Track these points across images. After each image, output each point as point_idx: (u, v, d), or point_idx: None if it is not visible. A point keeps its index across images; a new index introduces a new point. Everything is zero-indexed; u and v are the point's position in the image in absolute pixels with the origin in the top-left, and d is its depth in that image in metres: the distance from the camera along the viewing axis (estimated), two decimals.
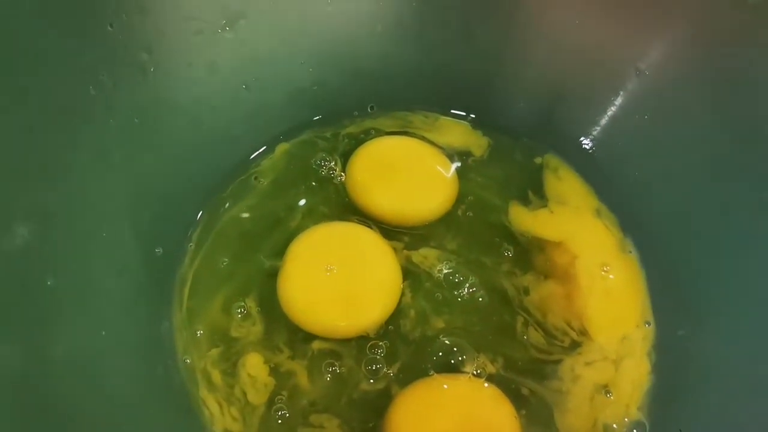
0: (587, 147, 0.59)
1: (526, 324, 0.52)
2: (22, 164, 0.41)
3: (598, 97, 0.57)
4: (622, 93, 0.55)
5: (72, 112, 0.45)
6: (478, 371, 0.49)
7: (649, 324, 0.52)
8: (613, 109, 0.56)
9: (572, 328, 0.52)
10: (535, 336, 0.51)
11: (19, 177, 0.41)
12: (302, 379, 0.49)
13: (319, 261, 0.51)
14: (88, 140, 0.46)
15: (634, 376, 0.50)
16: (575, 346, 0.51)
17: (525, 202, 0.58)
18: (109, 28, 0.47)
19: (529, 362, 0.50)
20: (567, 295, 0.54)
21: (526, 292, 0.53)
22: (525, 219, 0.57)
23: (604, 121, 0.57)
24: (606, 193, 0.58)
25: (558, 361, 0.50)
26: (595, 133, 0.58)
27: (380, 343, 0.50)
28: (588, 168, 0.59)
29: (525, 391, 0.49)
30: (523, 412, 0.48)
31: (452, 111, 0.63)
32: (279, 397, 0.48)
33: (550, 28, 0.55)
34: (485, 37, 0.58)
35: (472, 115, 0.63)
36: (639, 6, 0.51)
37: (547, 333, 0.52)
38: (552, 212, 0.58)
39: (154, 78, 0.51)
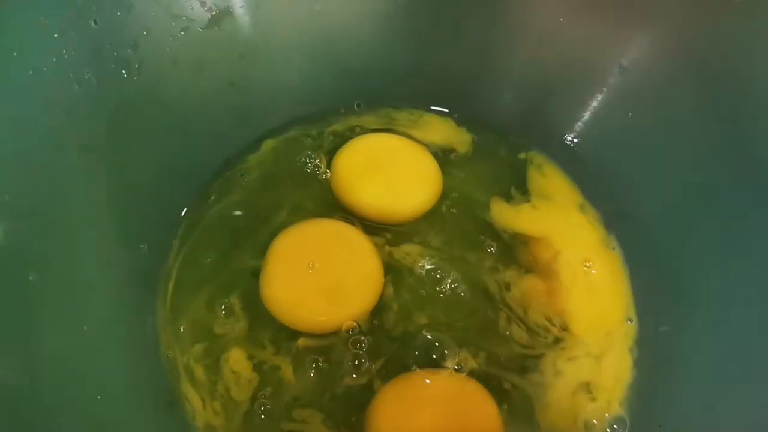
0: (571, 143, 0.60)
1: (508, 319, 0.52)
2: (5, 159, 0.41)
3: (581, 94, 0.57)
4: (605, 89, 0.55)
5: (56, 108, 0.45)
6: (460, 366, 0.49)
7: (631, 321, 0.53)
8: (597, 105, 0.56)
9: (554, 324, 0.52)
10: (517, 331, 0.52)
11: (3, 174, 0.41)
12: (286, 374, 0.49)
13: (300, 258, 0.52)
14: (73, 137, 0.46)
15: (616, 372, 0.50)
16: (557, 341, 0.52)
17: (508, 198, 0.59)
18: (93, 25, 0.47)
19: (510, 357, 0.51)
20: (549, 291, 0.54)
21: (508, 287, 0.54)
22: (507, 214, 0.58)
23: (587, 117, 0.58)
24: (590, 189, 0.59)
25: (540, 356, 0.51)
26: (578, 129, 0.59)
27: (363, 339, 0.50)
28: (572, 164, 0.60)
29: (507, 386, 0.49)
30: (505, 406, 0.48)
31: (438, 108, 0.64)
32: (262, 392, 0.48)
33: (535, 25, 0.56)
34: (473, 34, 0.58)
35: (457, 114, 0.63)
36: (622, 3, 0.52)
37: (529, 328, 0.52)
38: (535, 207, 0.58)
39: (140, 75, 0.51)
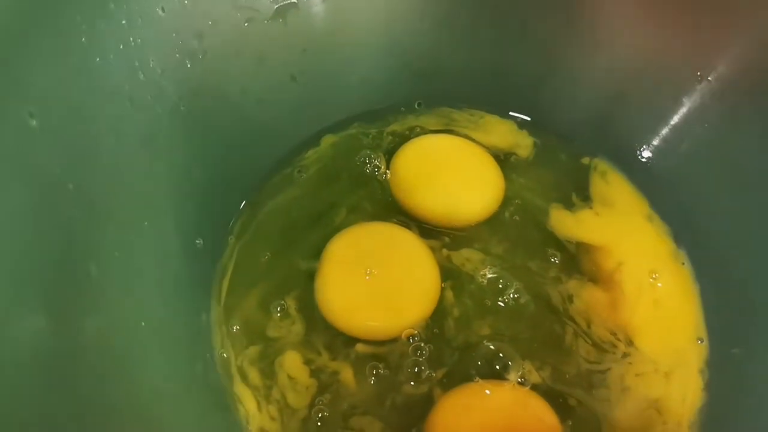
0: (643, 156, 0.57)
1: (573, 333, 0.50)
2: (69, 147, 0.40)
3: (656, 105, 0.55)
4: (683, 101, 0.53)
5: (119, 96, 0.44)
6: (523, 379, 0.48)
7: (702, 341, 0.50)
8: (671, 117, 0.54)
9: (619, 339, 0.50)
10: (582, 345, 0.50)
11: (65, 162, 0.40)
12: (345, 381, 0.48)
13: (355, 263, 0.51)
14: (135, 126, 0.45)
15: (686, 393, 0.48)
16: (625, 356, 0.50)
17: (569, 204, 0.57)
18: (161, 12, 0.46)
19: (576, 372, 0.49)
20: (611, 303, 0.52)
21: (571, 299, 0.52)
22: (567, 222, 0.56)
23: (660, 128, 0.55)
24: (659, 202, 0.56)
25: (606, 371, 0.49)
26: (650, 140, 0.57)
27: (424, 346, 0.49)
28: (641, 176, 0.57)
29: (572, 402, 0.48)
30: (569, 422, 0.46)
31: (502, 110, 0.62)
32: (320, 399, 0.47)
33: (609, 29, 0.54)
34: (541, 36, 0.56)
35: (523, 116, 0.61)
36: (706, 14, 0.49)
37: (595, 343, 0.50)
38: (597, 214, 0.56)
39: (203, 66, 0.50)
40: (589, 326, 0.51)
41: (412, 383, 0.48)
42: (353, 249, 0.52)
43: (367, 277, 0.50)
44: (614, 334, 0.50)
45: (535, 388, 0.47)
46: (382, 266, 0.50)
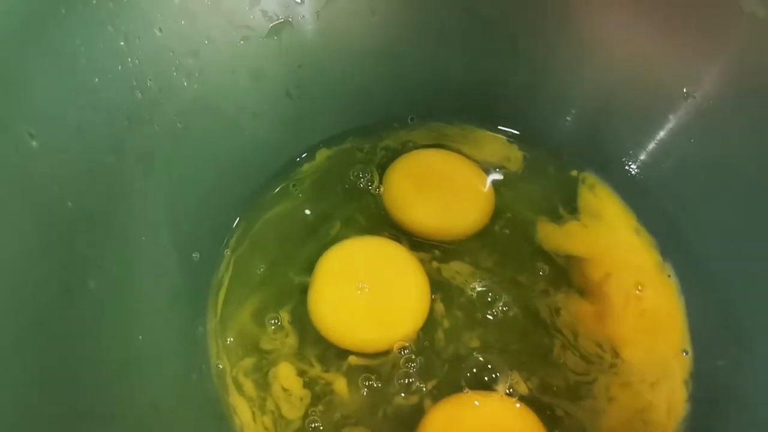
0: (630, 169, 0.58)
1: (561, 346, 0.51)
2: (69, 165, 0.41)
3: (645, 120, 0.56)
4: (670, 117, 0.54)
5: (118, 115, 0.45)
6: (511, 390, 0.49)
7: (686, 353, 0.51)
8: (659, 132, 0.55)
9: (605, 350, 0.51)
10: (570, 357, 0.51)
11: (65, 180, 0.41)
12: (338, 392, 0.49)
13: (347, 277, 0.52)
14: (133, 143, 0.46)
15: (671, 404, 0.49)
16: (610, 366, 0.51)
17: (556, 217, 0.58)
18: (158, 33, 0.47)
19: (563, 383, 0.50)
20: (598, 314, 0.53)
21: (559, 312, 0.53)
22: (554, 235, 0.57)
23: (648, 143, 0.56)
24: (647, 216, 0.57)
25: (593, 381, 0.50)
26: (638, 155, 0.58)
27: (415, 358, 0.50)
28: (629, 190, 0.58)
29: (559, 412, 0.49)
30: None
31: (492, 125, 0.63)
32: (313, 410, 0.48)
33: (599, 46, 0.55)
34: (532, 52, 0.57)
35: (513, 130, 0.62)
36: (693, 29, 0.50)
37: (582, 355, 0.51)
38: (585, 226, 0.57)
39: (199, 83, 0.51)
40: (576, 338, 0.52)
41: (402, 394, 0.49)
42: (345, 263, 0.53)
43: (359, 292, 0.51)
44: (600, 345, 0.51)
45: (523, 399, 0.48)
46: (373, 280, 0.51)
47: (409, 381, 0.49)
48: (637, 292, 0.54)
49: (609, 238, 0.57)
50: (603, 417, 0.49)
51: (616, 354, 0.51)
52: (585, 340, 0.52)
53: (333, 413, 0.48)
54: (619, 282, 0.54)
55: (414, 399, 0.48)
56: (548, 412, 0.48)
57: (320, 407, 0.48)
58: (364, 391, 0.49)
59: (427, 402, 0.48)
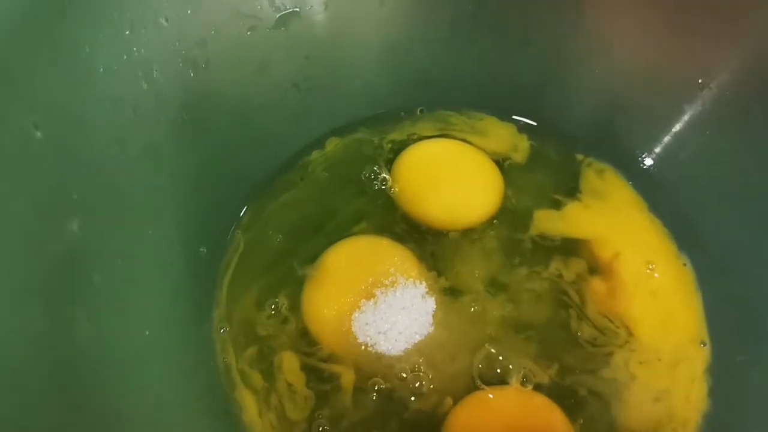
0: (645, 162, 0.58)
1: (573, 324, 0.51)
2: (74, 157, 0.41)
3: (660, 112, 0.55)
4: (685, 109, 0.53)
5: (123, 106, 0.44)
6: (525, 379, 0.48)
7: (704, 344, 0.50)
8: (674, 124, 0.54)
9: (618, 326, 0.51)
10: (583, 334, 0.50)
11: (69, 172, 0.40)
12: (342, 393, 0.48)
13: (344, 280, 0.51)
14: (138, 135, 0.46)
15: (690, 392, 0.48)
16: (626, 342, 0.50)
17: (562, 202, 0.57)
18: (164, 22, 0.46)
19: (579, 362, 0.49)
20: (610, 292, 0.52)
21: (569, 293, 0.52)
22: (559, 219, 0.56)
23: (661, 136, 0.56)
24: (662, 210, 0.56)
25: (609, 354, 0.49)
26: (650, 147, 0.57)
27: (418, 358, 0.49)
28: (644, 184, 0.57)
29: (582, 391, 0.48)
30: (581, 421, 0.47)
31: (504, 115, 0.62)
32: (319, 413, 0.47)
33: (613, 36, 0.54)
34: (543, 43, 0.56)
35: (520, 121, 0.61)
36: (709, 19, 0.49)
37: (595, 328, 0.50)
38: (587, 207, 0.56)
39: (206, 74, 0.50)
40: (589, 317, 0.51)
41: (412, 398, 0.48)
42: (343, 265, 0.52)
43: (358, 299, 0.49)
44: (612, 322, 0.51)
45: (540, 386, 0.48)
46: (373, 286, 0.50)
47: (419, 384, 0.48)
48: (648, 270, 0.53)
49: (614, 217, 0.56)
50: (625, 393, 0.48)
51: (630, 332, 0.50)
52: (598, 317, 0.51)
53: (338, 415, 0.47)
54: (629, 260, 0.53)
55: (425, 399, 0.47)
56: (571, 400, 0.48)
57: (326, 411, 0.47)
58: (374, 396, 0.48)
59: (436, 399, 0.47)
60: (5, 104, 0.36)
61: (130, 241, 0.45)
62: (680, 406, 0.48)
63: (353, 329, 0.49)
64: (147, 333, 0.44)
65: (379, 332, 0.49)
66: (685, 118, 0.54)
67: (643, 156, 0.58)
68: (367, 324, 0.49)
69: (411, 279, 0.51)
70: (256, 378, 0.49)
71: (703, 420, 0.48)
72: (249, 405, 0.48)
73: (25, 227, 0.37)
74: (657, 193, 0.57)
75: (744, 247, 0.50)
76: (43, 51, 0.38)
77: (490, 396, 0.47)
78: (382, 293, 0.50)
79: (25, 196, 0.37)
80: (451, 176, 0.56)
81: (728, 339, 0.50)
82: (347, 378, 0.48)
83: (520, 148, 0.60)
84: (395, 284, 0.50)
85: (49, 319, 0.37)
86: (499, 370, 0.48)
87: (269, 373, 0.49)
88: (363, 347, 0.49)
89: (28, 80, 0.38)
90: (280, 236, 0.55)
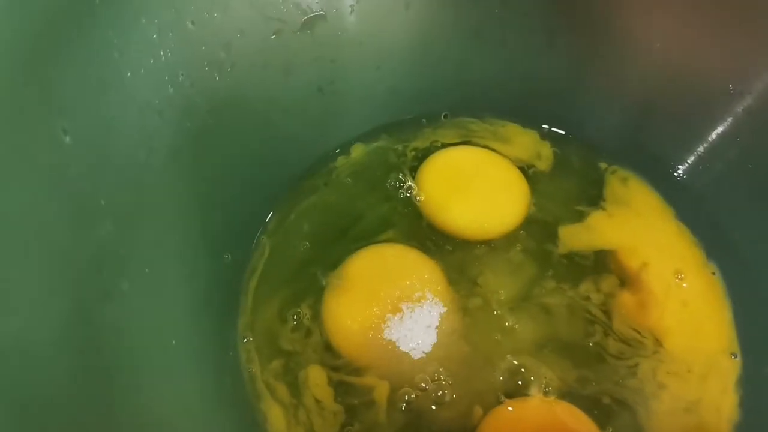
0: (676, 172, 0.57)
1: (600, 334, 0.50)
2: (101, 162, 0.40)
3: (691, 120, 0.54)
4: (718, 118, 0.52)
5: (149, 110, 0.44)
6: (548, 389, 0.47)
7: (735, 356, 0.50)
8: (709, 134, 0.53)
9: (645, 337, 0.50)
10: (609, 343, 0.50)
11: (97, 177, 0.40)
12: (371, 407, 0.47)
13: (365, 289, 0.50)
14: (164, 140, 0.45)
15: (721, 403, 0.48)
16: (654, 353, 0.49)
17: (586, 212, 0.56)
18: (191, 26, 0.45)
19: (605, 372, 0.49)
20: (640, 304, 0.51)
21: (597, 304, 0.51)
22: (584, 230, 0.55)
23: (692, 144, 0.55)
24: (692, 220, 0.55)
25: (635, 366, 0.49)
26: (686, 158, 0.56)
27: (440, 369, 0.48)
28: (674, 194, 0.57)
29: (605, 400, 0.47)
30: (610, 429, 0.46)
31: (529, 123, 0.61)
32: (348, 428, 0.47)
33: (642, 42, 0.53)
34: (570, 47, 0.55)
35: (554, 128, 0.61)
36: (743, 26, 0.49)
37: (622, 339, 0.50)
38: (611, 215, 0.56)
39: (231, 78, 0.49)
40: (615, 329, 0.50)
41: (436, 409, 0.47)
42: (365, 276, 0.51)
43: (379, 309, 0.49)
44: (639, 332, 0.50)
45: (565, 395, 0.47)
46: (393, 296, 0.49)
47: (441, 393, 0.47)
48: (677, 280, 0.52)
49: (640, 224, 0.55)
50: (654, 402, 0.47)
51: (658, 343, 0.50)
52: (625, 327, 0.50)
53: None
54: (658, 270, 0.52)
55: (454, 412, 0.47)
56: (596, 411, 0.47)
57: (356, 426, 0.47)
58: (402, 408, 0.47)
59: (457, 412, 0.47)
60: (34, 108, 0.35)
61: (157, 249, 0.44)
62: (711, 417, 0.47)
63: (374, 341, 0.48)
64: (173, 342, 0.43)
65: (401, 345, 0.48)
66: (718, 127, 0.53)
67: (672, 164, 0.57)
68: (388, 336, 0.48)
69: (434, 289, 0.50)
70: (282, 391, 0.48)
71: (734, 431, 0.47)
72: (275, 417, 0.47)
73: (54, 233, 0.36)
74: (684, 201, 0.56)
75: None
76: (71, 55, 0.37)
77: (518, 407, 0.46)
78: (403, 303, 0.49)
79: (53, 203, 0.36)
80: (477, 185, 0.56)
81: (758, 350, 0.49)
82: (378, 392, 0.47)
83: (543, 155, 0.60)
84: (418, 295, 0.50)
85: (78, 326, 0.36)
86: (520, 383, 0.48)
87: (295, 386, 0.48)
88: (384, 359, 0.48)
89: (56, 85, 0.37)
90: (307, 243, 0.54)
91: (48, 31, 0.36)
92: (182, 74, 0.46)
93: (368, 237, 0.54)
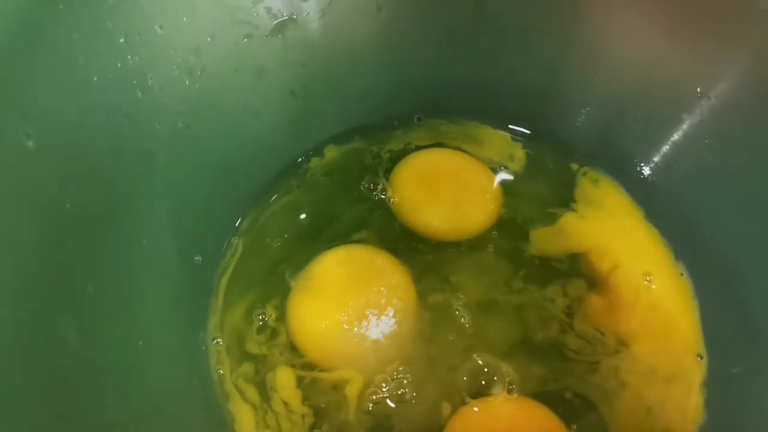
0: (644, 172, 0.57)
1: (563, 332, 0.51)
2: (67, 166, 0.40)
3: (659, 121, 0.54)
4: (686, 119, 0.53)
5: (118, 114, 0.44)
6: (511, 387, 0.48)
7: (701, 357, 0.50)
8: (674, 134, 0.54)
9: (608, 337, 0.50)
10: (571, 343, 0.50)
11: (63, 181, 0.40)
12: (339, 408, 0.48)
13: (328, 290, 0.50)
14: (133, 144, 0.45)
15: (686, 406, 0.48)
16: (615, 352, 0.50)
17: (557, 213, 0.56)
18: (159, 30, 0.46)
19: (566, 366, 0.49)
20: (608, 307, 0.52)
21: (564, 303, 0.52)
22: (554, 231, 0.55)
23: (662, 145, 0.55)
24: (659, 219, 0.56)
25: (596, 362, 0.49)
26: (654, 158, 0.56)
27: (401, 368, 0.48)
28: (642, 193, 0.57)
29: (568, 395, 0.48)
30: (574, 426, 0.47)
31: (501, 124, 0.61)
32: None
33: (613, 44, 0.53)
34: (543, 50, 0.56)
35: (524, 129, 0.61)
36: (709, 29, 0.49)
37: (585, 340, 0.50)
38: (582, 217, 0.56)
39: (201, 82, 0.49)
40: (577, 328, 0.51)
41: (399, 406, 0.47)
42: (328, 277, 0.51)
43: (340, 312, 0.49)
44: (601, 332, 0.50)
45: (531, 394, 0.47)
46: (357, 298, 0.49)
47: (403, 391, 0.47)
48: (646, 282, 0.53)
49: (610, 225, 0.56)
50: (617, 401, 0.48)
51: (621, 343, 0.50)
52: (587, 327, 0.51)
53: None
54: (627, 272, 0.53)
55: (418, 412, 0.47)
56: (557, 401, 0.47)
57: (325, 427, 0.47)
58: (370, 406, 0.47)
59: (421, 410, 0.47)
60: None
61: (124, 251, 0.44)
62: (676, 418, 0.48)
63: (337, 342, 0.48)
64: (140, 343, 0.43)
65: (364, 347, 0.48)
66: (685, 127, 0.53)
67: (641, 165, 0.57)
68: (351, 338, 0.48)
69: (399, 291, 0.50)
70: (251, 392, 0.48)
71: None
72: (244, 418, 0.47)
73: (17, 237, 0.36)
74: (654, 202, 0.56)
75: (742, 257, 0.50)
76: (35, 60, 0.38)
77: (483, 407, 0.46)
78: (367, 304, 0.49)
79: (16, 206, 0.36)
80: (450, 187, 0.56)
81: (725, 351, 0.49)
82: (348, 390, 0.48)
83: (515, 157, 0.60)
84: (382, 296, 0.50)
85: (41, 329, 0.36)
86: (484, 382, 0.48)
87: (263, 388, 0.48)
88: (347, 362, 0.48)
89: (20, 88, 0.37)
90: (279, 243, 0.54)
91: (9, 35, 0.36)
92: (151, 78, 0.46)
93: (341, 238, 0.55)
